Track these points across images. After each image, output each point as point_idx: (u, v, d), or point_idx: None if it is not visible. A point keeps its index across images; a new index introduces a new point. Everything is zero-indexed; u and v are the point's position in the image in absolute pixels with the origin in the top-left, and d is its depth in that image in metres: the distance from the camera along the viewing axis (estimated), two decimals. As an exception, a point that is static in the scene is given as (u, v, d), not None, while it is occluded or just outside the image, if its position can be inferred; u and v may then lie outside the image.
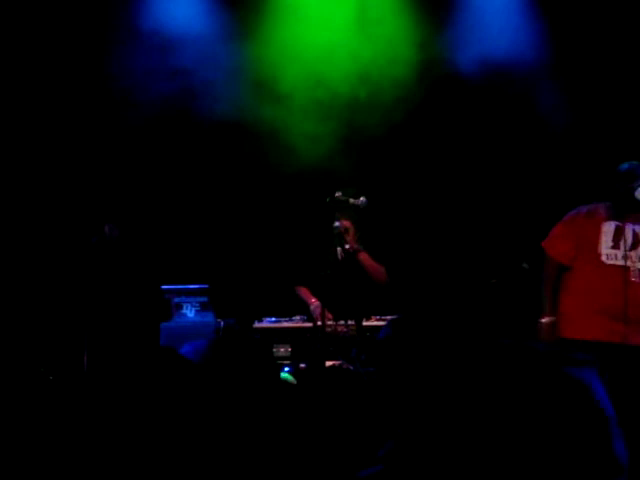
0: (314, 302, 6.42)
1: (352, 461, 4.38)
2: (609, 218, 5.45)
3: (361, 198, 6.21)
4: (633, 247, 5.37)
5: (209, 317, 6.52)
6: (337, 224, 6.22)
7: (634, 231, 5.38)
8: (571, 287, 5.45)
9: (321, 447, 4.41)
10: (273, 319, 6.48)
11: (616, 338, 5.27)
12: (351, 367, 5.87)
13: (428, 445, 1.71)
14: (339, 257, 6.39)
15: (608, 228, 5.42)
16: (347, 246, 6.42)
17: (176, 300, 6.57)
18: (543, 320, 5.44)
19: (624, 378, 5.16)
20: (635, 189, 5.30)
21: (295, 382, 5.50)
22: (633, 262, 5.36)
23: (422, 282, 7.03)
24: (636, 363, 5.24)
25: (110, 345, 6.74)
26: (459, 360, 1.71)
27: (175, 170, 7.47)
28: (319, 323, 6.10)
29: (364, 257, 6.45)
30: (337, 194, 6.17)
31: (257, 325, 6.43)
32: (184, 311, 6.59)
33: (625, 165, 5.45)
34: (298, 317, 6.49)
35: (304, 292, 6.58)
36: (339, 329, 6.22)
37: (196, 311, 6.59)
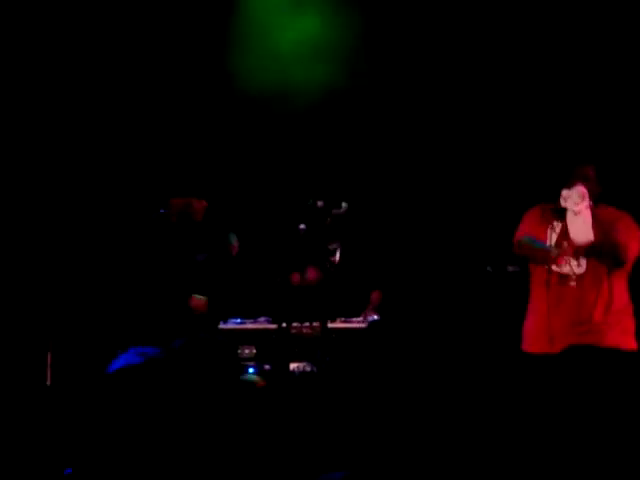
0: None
1: (315, 462, 4.40)
2: (555, 219, 5.23)
3: (343, 204, 6.31)
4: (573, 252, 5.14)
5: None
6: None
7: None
8: (532, 304, 5.38)
9: (285, 448, 4.42)
10: (238, 320, 6.48)
11: (585, 339, 5.17)
12: (315, 369, 5.89)
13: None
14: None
15: (551, 232, 5.24)
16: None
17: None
18: (551, 252, 5.17)
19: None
20: (562, 193, 5.11)
21: (262, 382, 5.51)
22: (572, 268, 5.18)
23: (396, 284, 7.05)
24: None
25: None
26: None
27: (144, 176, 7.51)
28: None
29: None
30: (319, 203, 6.24)
31: (222, 326, 6.42)
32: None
33: (572, 161, 5.27)
34: (263, 318, 6.49)
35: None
36: (304, 330, 6.23)
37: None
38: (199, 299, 5.70)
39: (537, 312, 5.26)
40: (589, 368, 5.05)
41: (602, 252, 5.10)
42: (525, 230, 5.33)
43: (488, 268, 6.35)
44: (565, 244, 5.19)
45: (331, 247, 6.61)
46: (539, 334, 5.18)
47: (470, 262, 6.79)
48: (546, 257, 5.18)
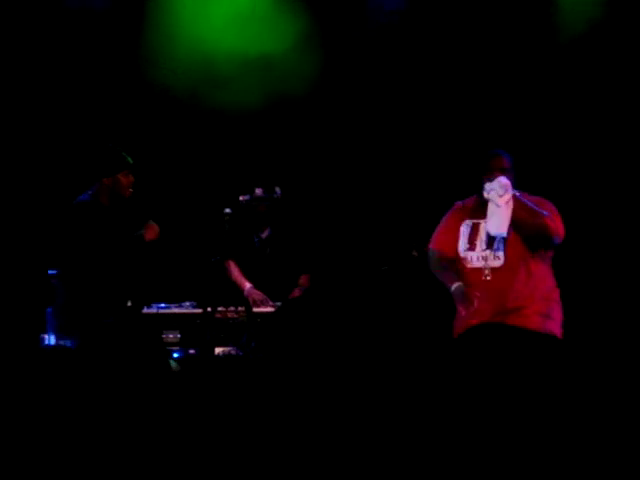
0: (248, 286, 6.54)
1: (241, 447, 4.37)
2: (469, 216, 5.25)
3: (276, 189, 6.38)
4: (489, 246, 5.17)
5: (96, 302, 6.40)
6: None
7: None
8: None
9: (209, 433, 4.39)
10: (162, 305, 6.42)
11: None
12: (241, 353, 5.86)
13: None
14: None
15: (465, 229, 5.23)
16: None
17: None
18: (453, 286, 5.19)
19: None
20: (484, 186, 5.08)
21: (178, 368, 5.46)
22: (487, 262, 5.17)
23: (312, 269, 7.03)
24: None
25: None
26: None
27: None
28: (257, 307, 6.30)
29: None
30: (257, 191, 6.30)
31: (146, 311, 6.35)
32: (71, 296, 6.45)
33: (484, 153, 5.25)
34: (188, 303, 6.44)
35: (236, 272, 6.58)
36: (229, 315, 6.21)
37: (83, 296, 6.45)
38: (152, 225, 5.73)
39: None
40: (500, 345, 5.06)
41: (531, 231, 5.12)
42: (438, 239, 5.36)
43: (414, 253, 6.37)
44: (470, 293, 5.19)
45: (263, 235, 6.67)
46: (463, 323, 5.21)
47: (397, 247, 6.82)
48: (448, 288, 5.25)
